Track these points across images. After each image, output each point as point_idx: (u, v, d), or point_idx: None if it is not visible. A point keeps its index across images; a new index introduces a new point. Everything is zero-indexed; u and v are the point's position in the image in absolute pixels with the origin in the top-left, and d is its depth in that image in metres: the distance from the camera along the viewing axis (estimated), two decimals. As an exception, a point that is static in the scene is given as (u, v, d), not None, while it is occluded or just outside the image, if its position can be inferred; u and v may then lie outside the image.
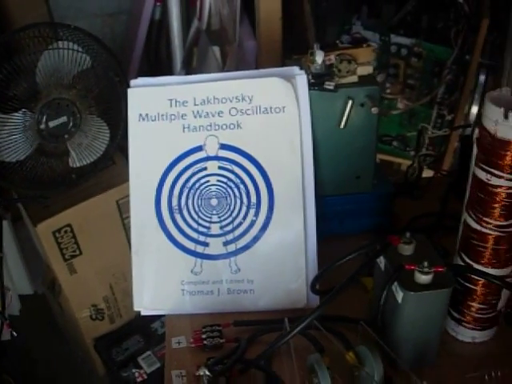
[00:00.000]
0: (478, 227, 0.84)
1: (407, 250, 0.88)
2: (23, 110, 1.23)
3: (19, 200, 1.49)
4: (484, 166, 0.80)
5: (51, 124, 1.26)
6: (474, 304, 0.90)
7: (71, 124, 1.29)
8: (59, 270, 1.54)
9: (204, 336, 0.93)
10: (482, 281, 0.87)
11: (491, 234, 0.84)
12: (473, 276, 0.88)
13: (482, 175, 0.81)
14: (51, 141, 1.29)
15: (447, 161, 1.43)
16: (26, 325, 2.00)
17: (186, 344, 0.94)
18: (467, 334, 0.93)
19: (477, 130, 0.81)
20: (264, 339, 0.93)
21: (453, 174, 1.26)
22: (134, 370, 1.64)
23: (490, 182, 0.80)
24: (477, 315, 0.91)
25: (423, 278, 0.82)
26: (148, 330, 1.71)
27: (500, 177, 0.79)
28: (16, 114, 1.23)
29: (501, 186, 0.80)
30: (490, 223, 0.83)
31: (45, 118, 1.25)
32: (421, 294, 0.82)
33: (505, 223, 0.82)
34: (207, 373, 0.83)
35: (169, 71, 1.99)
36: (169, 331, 0.97)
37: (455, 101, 1.40)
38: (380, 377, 0.82)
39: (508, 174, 0.79)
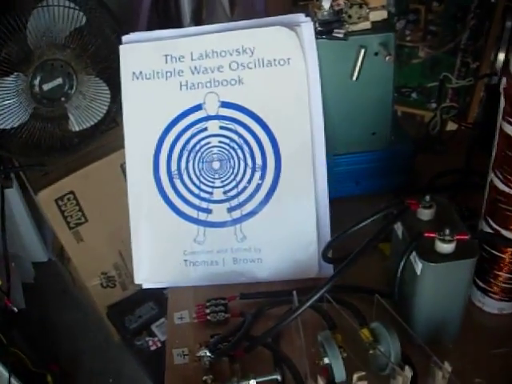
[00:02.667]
0: (506, 189, 0.75)
1: (427, 214, 0.80)
2: (15, 73, 1.15)
3: (16, 169, 1.43)
4: (512, 120, 0.72)
5: (46, 87, 1.18)
6: (501, 273, 0.81)
7: (67, 86, 1.20)
8: (65, 238, 1.48)
9: (208, 311, 0.87)
10: (510, 248, 0.79)
11: (523, 197, 0.76)
12: (501, 243, 0.80)
13: (511, 130, 0.72)
14: (47, 105, 1.21)
15: (472, 113, 1.32)
16: (41, 292, 1.98)
17: (188, 319, 0.88)
18: (494, 306, 0.85)
19: (504, 80, 0.72)
20: (272, 313, 0.86)
21: (478, 126, 1.17)
22: (147, 339, 1.59)
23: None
24: (505, 285, 0.83)
25: (444, 247, 0.74)
26: (161, 296, 1.63)
27: (530, 131, 0.70)
28: (8, 79, 1.15)
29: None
30: (520, 184, 0.75)
31: (38, 80, 1.16)
32: (442, 265, 0.74)
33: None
34: (208, 354, 0.76)
35: (178, 25, 1.89)
36: (171, 305, 0.91)
37: (480, 48, 1.30)
38: (396, 356, 0.75)
39: (539, 127, 0.70)
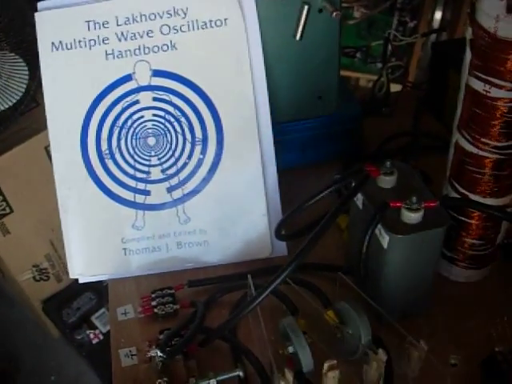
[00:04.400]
0: (475, 150, 0.68)
1: (388, 182, 0.71)
2: None
3: None
4: (481, 75, 0.63)
5: (-48, 66, 1.05)
6: (468, 240, 0.75)
7: (-23, 64, 1.07)
8: (-11, 232, 1.35)
9: (154, 303, 0.76)
10: (477, 213, 0.72)
11: (490, 158, 0.68)
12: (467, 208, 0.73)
13: (479, 86, 0.64)
14: (-45, 86, 1.07)
15: (412, 72, 1.26)
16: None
17: (133, 314, 0.77)
18: (461, 274, 0.78)
19: (470, 30, 0.63)
20: (225, 300, 0.77)
21: (422, 86, 1.10)
22: (88, 332, 1.48)
23: (489, 95, 0.64)
24: (472, 252, 0.76)
25: (412, 217, 0.67)
26: (99, 284, 1.52)
27: (501, 86, 0.62)
28: None
29: (502, 99, 0.63)
30: (489, 144, 0.67)
31: None
32: (411, 236, 0.66)
33: (506, 143, 0.66)
34: (160, 354, 0.67)
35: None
36: (112, 300, 0.80)
37: (417, 6, 1.23)
38: (367, 338, 0.67)
39: (510, 81, 0.62)
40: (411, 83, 1.12)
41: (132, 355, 0.73)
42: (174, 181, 0.80)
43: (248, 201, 0.81)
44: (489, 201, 0.71)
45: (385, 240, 0.67)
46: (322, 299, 0.72)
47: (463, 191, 0.72)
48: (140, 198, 0.80)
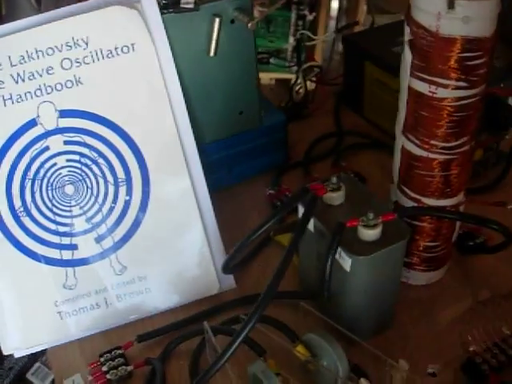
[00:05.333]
0: (424, 153, 0.64)
1: (337, 198, 0.66)
2: None
3: None
4: (425, 76, 0.59)
5: None
6: (422, 243, 0.71)
7: None
8: None
9: (105, 368, 0.68)
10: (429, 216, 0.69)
11: (439, 159, 0.64)
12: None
13: (423, 87, 0.60)
14: None
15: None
16: None
17: (85, 385, 0.69)
18: (421, 277, 0.75)
19: (408, 30, 0.59)
20: (182, 349, 0.70)
21: (333, 81, 1.05)
22: (27, 391, 1.35)
23: (435, 96, 0.60)
24: (427, 254, 0.72)
25: (371, 234, 0.62)
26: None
27: (446, 86, 0.58)
28: None
29: (448, 98, 0.59)
30: (437, 145, 0.63)
31: None
32: (374, 255, 0.61)
33: (454, 143, 0.63)
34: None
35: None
36: (57, 372, 0.71)
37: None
38: (344, 368, 0.62)
39: (455, 80, 0.58)
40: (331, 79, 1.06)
41: None
42: (102, 229, 0.72)
43: (186, 238, 0.74)
44: (442, 202, 0.67)
45: (347, 263, 0.62)
46: (288, 334, 0.66)
47: (415, 196, 0.68)
48: (67, 254, 0.71)
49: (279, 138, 0.88)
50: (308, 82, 0.97)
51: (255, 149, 0.87)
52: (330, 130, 0.98)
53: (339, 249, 0.62)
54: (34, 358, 1.36)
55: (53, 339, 0.72)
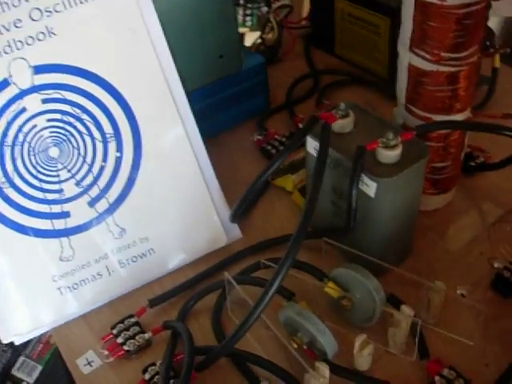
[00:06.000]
0: (434, 67, 0.60)
1: (347, 125, 0.63)
2: None
3: None
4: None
5: None
6: (433, 164, 0.68)
7: None
8: None
9: (120, 339, 0.62)
10: (437, 134, 0.66)
11: (447, 72, 0.61)
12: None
13: (433, -3, 0.57)
14: None
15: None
16: None
17: (100, 361, 0.62)
18: (430, 202, 0.72)
19: None
20: (200, 307, 0.65)
21: (302, 21, 1.01)
22: (15, 388, 1.26)
23: (444, 3, 0.56)
24: (438, 176, 0.70)
25: (392, 155, 0.58)
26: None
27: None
28: None
29: (456, 5, 0.56)
30: (447, 57, 0.59)
31: None
32: (398, 176, 0.58)
33: (464, 54, 0.60)
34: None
35: None
36: (66, 353, 0.64)
37: None
38: (382, 298, 0.59)
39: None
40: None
41: (121, 411, 0.59)
42: (94, 191, 0.66)
43: (187, 191, 0.69)
44: (451, 118, 0.64)
45: (371, 188, 0.58)
46: (315, 273, 0.62)
47: (424, 114, 0.64)
48: (59, 224, 0.65)
49: (260, 81, 0.83)
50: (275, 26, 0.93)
51: (237, 94, 0.82)
52: (303, 73, 0.94)
53: (362, 175, 0.58)
54: (16, 352, 1.26)
55: (55, 319, 0.66)
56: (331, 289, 0.60)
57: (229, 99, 0.81)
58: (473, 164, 0.77)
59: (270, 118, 0.87)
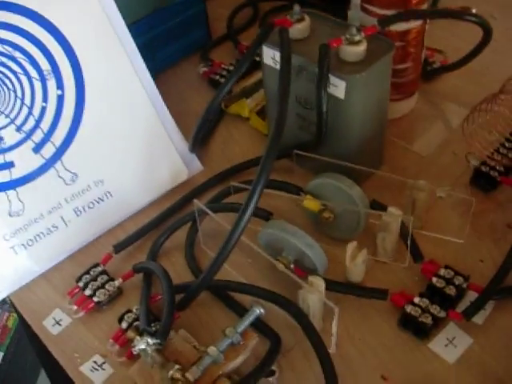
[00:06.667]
0: None
1: (304, 30, 0.58)
2: None
3: None
4: None
5: None
6: (394, 67, 0.62)
7: None
8: None
9: (89, 291, 0.56)
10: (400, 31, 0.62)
11: None
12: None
13: None
14: None
15: None
16: None
17: (70, 319, 0.56)
18: (395, 109, 0.68)
19: None
20: (169, 245, 0.60)
21: None
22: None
23: None
24: (400, 80, 0.66)
25: (358, 51, 0.54)
26: None
27: None
28: None
29: None
30: None
31: None
32: (366, 72, 0.53)
33: None
34: (152, 341, 0.48)
35: None
36: (31, 317, 0.57)
37: None
38: (365, 203, 0.55)
39: None
40: None
41: (98, 366, 0.53)
42: (38, 136, 0.58)
43: (138, 124, 0.63)
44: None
45: (340, 89, 0.54)
46: (291, 189, 0.58)
47: (383, 12, 0.60)
48: (4, 175, 0.57)
49: (199, 11, 0.78)
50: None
51: (177, 27, 0.76)
52: (239, 2, 0.88)
53: (329, 76, 0.54)
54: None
55: (12, 282, 0.59)
56: (310, 202, 0.56)
57: (168, 33, 0.76)
58: (430, 68, 0.73)
59: (213, 50, 0.82)
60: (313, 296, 0.48)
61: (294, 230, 0.52)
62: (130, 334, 0.51)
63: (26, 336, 0.72)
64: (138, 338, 0.48)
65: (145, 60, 0.65)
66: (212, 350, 0.47)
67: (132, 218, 0.63)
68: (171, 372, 0.46)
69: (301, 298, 0.49)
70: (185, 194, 0.63)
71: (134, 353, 0.48)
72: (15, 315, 1.15)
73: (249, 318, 0.49)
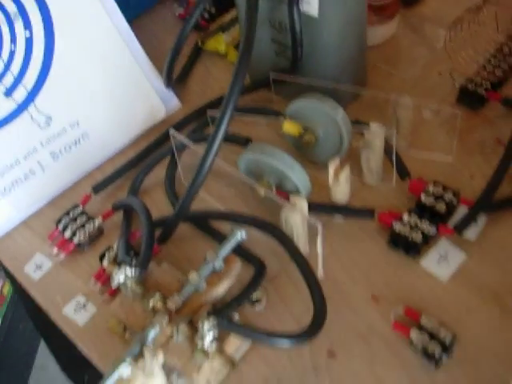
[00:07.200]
0: None
1: None
2: None
3: None
4: None
5: None
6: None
7: None
8: None
9: (68, 233, 0.54)
10: None
11: None
12: None
13: None
14: None
15: None
16: None
17: (51, 262, 0.54)
18: (377, 35, 0.65)
19: None
20: (149, 183, 0.58)
21: None
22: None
23: None
24: (379, 3, 0.63)
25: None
26: None
27: None
28: None
29: None
30: None
31: None
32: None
33: None
34: (131, 270, 0.46)
35: None
36: (11, 264, 0.56)
37: None
38: (346, 123, 0.52)
39: None
40: None
41: (84, 307, 0.51)
42: (8, 80, 0.56)
43: (111, 62, 0.60)
44: None
45: (312, 6, 0.51)
46: (269, 112, 0.55)
47: None
48: (-25, 121, 0.56)
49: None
50: None
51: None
52: None
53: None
54: None
55: (-7, 228, 0.58)
56: (290, 125, 0.53)
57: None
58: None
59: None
60: (295, 216, 0.46)
61: (273, 151, 0.49)
62: (109, 267, 0.49)
63: (21, 302, 0.70)
64: (116, 269, 0.46)
65: (119, 7, 0.63)
66: (193, 276, 0.45)
67: (111, 161, 0.61)
68: (152, 302, 0.45)
69: (283, 220, 0.47)
70: (161, 133, 0.61)
71: (114, 286, 0.46)
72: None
73: (230, 242, 0.46)
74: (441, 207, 0.50)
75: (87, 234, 0.54)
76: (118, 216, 0.54)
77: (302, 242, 0.48)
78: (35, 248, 0.56)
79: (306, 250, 0.49)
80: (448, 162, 0.54)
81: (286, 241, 0.47)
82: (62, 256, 0.54)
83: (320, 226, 0.44)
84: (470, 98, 0.58)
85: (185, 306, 0.45)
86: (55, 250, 0.54)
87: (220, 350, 0.44)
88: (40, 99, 0.57)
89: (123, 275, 0.46)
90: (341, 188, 0.50)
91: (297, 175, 0.49)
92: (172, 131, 0.52)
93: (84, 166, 0.60)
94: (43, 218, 0.58)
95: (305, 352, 0.46)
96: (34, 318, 0.66)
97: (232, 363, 0.44)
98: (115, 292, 0.49)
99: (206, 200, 0.53)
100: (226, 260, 0.46)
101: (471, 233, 0.49)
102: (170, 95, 0.63)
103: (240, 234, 0.46)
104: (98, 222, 0.55)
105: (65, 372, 0.64)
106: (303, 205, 0.46)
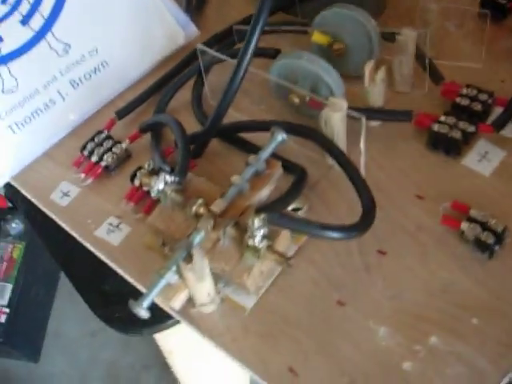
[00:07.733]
0: None
1: None
2: None
3: None
4: None
5: None
6: None
7: None
8: None
9: (95, 157, 0.52)
10: None
11: None
12: None
13: None
14: None
15: None
16: None
17: (78, 187, 0.52)
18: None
19: None
20: (176, 103, 0.56)
21: None
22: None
23: None
24: None
25: None
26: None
27: None
28: None
29: None
30: None
31: None
32: None
33: None
34: (168, 178, 0.44)
35: None
36: (37, 195, 0.53)
37: None
38: (372, 24, 0.50)
39: None
40: None
41: (117, 227, 0.49)
42: (24, 7, 0.54)
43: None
44: None
45: None
46: (296, 23, 0.54)
47: None
48: (-9, 50, 0.54)
49: None
50: None
51: None
52: None
53: None
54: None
55: (13, 163, 0.55)
56: (319, 35, 0.51)
57: None
58: None
59: None
60: (336, 116, 0.44)
61: (309, 56, 0.48)
62: (145, 179, 0.46)
63: (39, 240, 0.67)
64: (155, 178, 0.44)
65: None
66: (236, 178, 0.43)
67: (132, 89, 0.58)
68: (194, 208, 0.43)
69: (323, 123, 0.45)
70: (182, 59, 0.58)
71: (153, 195, 0.44)
72: (20, 245, 1.10)
73: (271, 145, 0.45)
74: (477, 106, 0.49)
75: (115, 156, 0.52)
76: (145, 139, 0.52)
77: (341, 142, 0.46)
78: (60, 177, 0.53)
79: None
80: (478, 68, 0.53)
81: (327, 142, 0.45)
82: (90, 181, 0.52)
83: (363, 119, 0.43)
84: (492, 9, 0.57)
85: (229, 210, 0.43)
86: (82, 175, 0.52)
87: (271, 250, 0.42)
88: (58, 27, 0.55)
89: (163, 182, 0.44)
90: (377, 89, 0.48)
91: (333, 78, 0.47)
92: (200, 46, 0.50)
93: (105, 93, 0.58)
94: (65, 148, 0.56)
95: (354, 253, 0.44)
96: (55, 255, 0.64)
97: (285, 260, 0.42)
98: (150, 209, 0.47)
99: (236, 117, 0.51)
100: (268, 164, 0.45)
101: (509, 130, 0.48)
102: (188, 22, 0.61)
103: (281, 135, 0.45)
104: (125, 144, 0.53)
105: (93, 310, 0.62)
106: (343, 104, 0.45)
